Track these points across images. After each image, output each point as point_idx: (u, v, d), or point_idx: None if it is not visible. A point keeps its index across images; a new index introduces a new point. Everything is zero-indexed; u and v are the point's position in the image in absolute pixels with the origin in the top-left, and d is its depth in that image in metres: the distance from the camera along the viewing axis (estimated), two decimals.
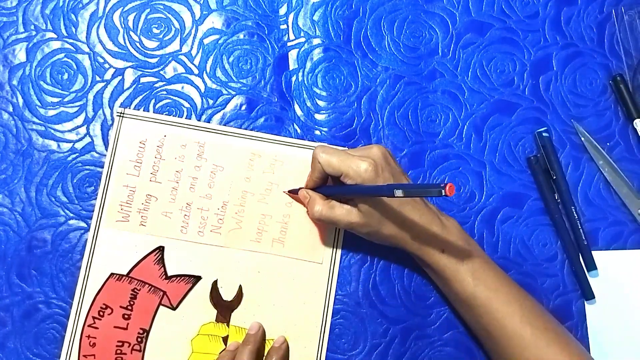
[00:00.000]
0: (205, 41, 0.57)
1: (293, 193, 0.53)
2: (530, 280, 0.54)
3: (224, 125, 0.55)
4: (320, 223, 0.53)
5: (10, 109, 0.55)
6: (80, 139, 0.55)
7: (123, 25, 0.57)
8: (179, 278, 0.53)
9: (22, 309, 0.52)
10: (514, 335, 0.48)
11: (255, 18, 0.57)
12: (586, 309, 0.54)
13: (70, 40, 0.56)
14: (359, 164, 0.47)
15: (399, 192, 0.41)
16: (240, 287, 0.53)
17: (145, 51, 0.56)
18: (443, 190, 0.37)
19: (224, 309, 0.53)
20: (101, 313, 0.52)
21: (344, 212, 0.49)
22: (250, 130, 0.55)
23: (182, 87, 0.56)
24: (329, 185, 0.52)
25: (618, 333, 0.54)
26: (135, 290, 0.52)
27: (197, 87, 0.56)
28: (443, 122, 0.57)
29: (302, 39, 0.57)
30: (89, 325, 0.51)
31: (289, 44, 0.57)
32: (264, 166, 0.55)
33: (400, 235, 0.49)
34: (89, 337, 0.51)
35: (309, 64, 0.57)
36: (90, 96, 0.55)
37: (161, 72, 0.56)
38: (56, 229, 0.53)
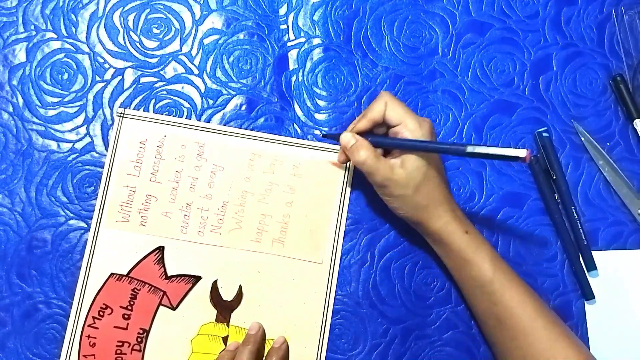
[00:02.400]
0: (205, 41, 0.57)
1: (330, 137, 0.53)
2: (530, 280, 0.54)
3: (224, 125, 0.55)
4: (363, 169, 0.49)
5: (10, 109, 0.55)
6: (80, 139, 0.55)
7: (123, 25, 0.57)
8: (179, 278, 0.53)
9: (22, 309, 0.52)
10: (526, 325, 0.48)
11: (255, 18, 0.57)
12: (586, 309, 0.54)
13: (70, 40, 0.56)
14: (420, 122, 0.48)
15: (474, 149, 0.44)
16: (240, 287, 0.53)
17: (145, 51, 0.56)
18: (521, 156, 0.40)
19: (224, 309, 0.53)
20: (101, 313, 0.52)
21: (387, 166, 0.48)
22: (250, 130, 0.55)
23: (182, 87, 0.56)
24: (377, 135, 0.51)
25: (618, 333, 0.54)
26: (135, 290, 0.52)
27: (197, 87, 0.56)
28: (443, 122, 0.57)
29: (302, 39, 0.57)
30: (89, 325, 0.51)
31: (289, 44, 0.57)
32: (264, 166, 0.55)
33: (429, 208, 0.49)
34: (89, 337, 0.51)
35: (309, 64, 0.57)
36: (90, 96, 0.55)
37: (161, 72, 0.56)
38: (56, 229, 0.53)
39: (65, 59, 0.56)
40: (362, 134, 0.50)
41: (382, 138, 0.50)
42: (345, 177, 0.55)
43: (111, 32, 0.56)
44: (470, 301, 0.52)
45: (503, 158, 0.43)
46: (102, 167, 0.54)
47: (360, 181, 0.54)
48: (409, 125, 0.48)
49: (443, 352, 0.53)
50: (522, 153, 0.41)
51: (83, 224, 0.53)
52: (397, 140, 0.49)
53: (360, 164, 0.49)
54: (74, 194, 0.54)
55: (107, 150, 0.54)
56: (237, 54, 0.57)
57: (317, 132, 0.56)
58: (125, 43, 0.56)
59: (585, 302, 0.54)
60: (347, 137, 0.50)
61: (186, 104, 0.56)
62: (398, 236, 0.55)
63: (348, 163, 0.55)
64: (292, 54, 0.57)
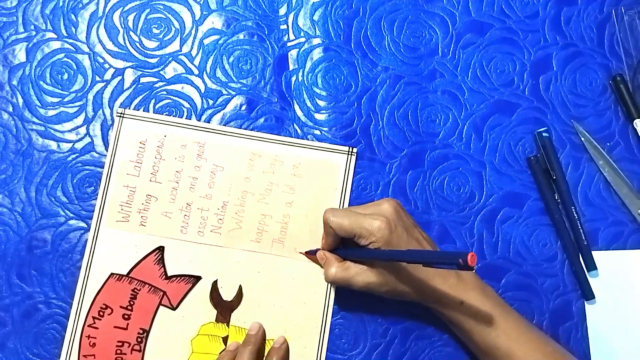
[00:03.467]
0: (205, 41, 0.57)
1: (310, 254, 0.53)
2: (530, 280, 0.54)
3: (224, 125, 0.55)
4: (337, 284, 0.51)
5: (10, 109, 0.55)
6: (80, 139, 0.55)
7: (123, 25, 0.57)
8: (179, 278, 0.53)
9: (22, 309, 0.52)
10: None
11: (255, 18, 0.57)
12: (586, 309, 0.54)
13: (70, 40, 0.56)
14: (371, 224, 0.47)
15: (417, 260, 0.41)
16: (240, 287, 0.53)
17: (145, 51, 0.56)
18: (464, 261, 0.35)
19: (224, 309, 0.53)
20: (101, 313, 0.52)
21: (359, 272, 0.48)
22: (250, 130, 0.55)
23: (182, 87, 0.56)
24: (347, 248, 0.51)
25: (618, 333, 0.54)
26: (135, 290, 0.52)
27: (197, 88, 0.56)
28: (443, 122, 0.57)
29: (302, 39, 0.57)
30: (89, 325, 0.51)
31: (289, 44, 0.57)
32: (264, 166, 0.55)
33: (418, 291, 0.48)
34: (89, 337, 0.51)
35: (309, 64, 0.57)
36: (90, 96, 0.55)
37: (161, 72, 0.56)
38: (56, 229, 0.53)
39: (65, 59, 0.56)
40: (335, 248, 0.51)
41: (350, 250, 0.50)
42: (345, 177, 0.55)
43: (111, 32, 0.56)
44: None
45: (447, 266, 0.38)
46: (102, 167, 0.54)
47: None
48: (363, 234, 0.47)
49: (443, 352, 0.53)
50: (467, 257, 0.35)
51: (83, 224, 0.53)
52: (355, 251, 0.49)
53: (332, 280, 0.50)
54: (74, 194, 0.54)
55: (107, 150, 0.54)
56: (237, 54, 0.57)
57: (317, 132, 0.56)
58: (125, 43, 0.56)
59: (585, 302, 0.54)
60: (320, 255, 0.52)
61: (186, 104, 0.56)
62: None
63: (347, 164, 0.55)
64: (292, 54, 0.57)
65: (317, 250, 0.52)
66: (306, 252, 0.53)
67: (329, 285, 0.53)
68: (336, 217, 0.49)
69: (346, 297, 0.53)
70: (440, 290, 0.48)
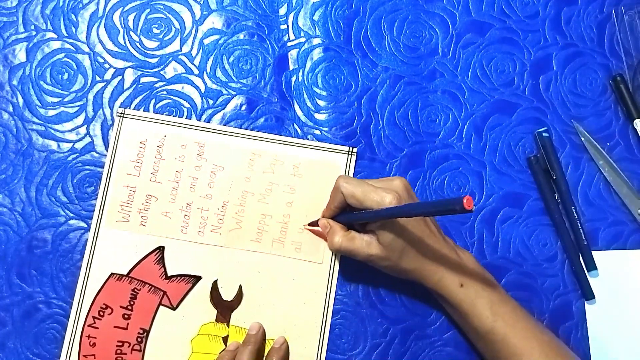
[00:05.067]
0: (206, 41, 0.57)
1: (313, 225, 0.53)
2: (530, 280, 0.54)
3: (224, 125, 0.55)
4: (341, 253, 0.51)
5: (10, 109, 0.55)
6: (80, 139, 0.55)
7: (123, 25, 0.57)
8: (179, 278, 0.53)
9: (22, 309, 0.52)
10: None
11: (255, 18, 0.57)
12: (586, 309, 0.54)
13: (70, 40, 0.56)
14: (382, 196, 0.46)
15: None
16: (240, 287, 0.53)
17: (145, 51, 0.56)
18: (460, 206, 0.35)
19: (224, 309, 0.53)
20: (101, 313, 0.52)
21: (364, 244, 0.48)
22: (250, 130, 0.55)
23: (182, 87, 0.56)
24: (347, 212, 0.51)
25: (618, 333, 0.54)
26: (136, 290, 0.52)
27: (197, 87, 0.56)
28: (443, 122, 0.57)
29: (302, 39, 0.57)
30: (89, 325, 0.51)
31: (289, 44, 0.57)
32: (264, 166, 0.55)
33: (419, 270, 0.48)
34: (89, 337, 0.51)
35: (309, 64, 0.57)
36: (90, 96, 0.55)
37: (161, 72, 0.56)
38: (56, 229, 0.53)
39: (65, 59, 0.56)
40: (337, 215, 0.51)
41: (350, 215, 0.50)
42: None
43: (111, 32, 0.56)
44: (477, 348, 0.52)
45: (447, 211, 0.38)
46: (102, 167, 0.54)
47: None
48: (373, 206, 0.46)
49: (443, 352, 0.53)
50: (463, 202, 0.35)
51: (83, 224, 0.53)
52: (359, 215, 0.49)
53: (336, 250, 0.50)
54: (74, 194, 0.54)
55: (107, 150, 0.54)
56: (237, 54, 0.57)
57: (317, 132, 0.56)
58: (125, 43, 0.56)
59: (585, 302, 0.54)
60: (323, 223, 0.52)
61: (186, 104, 0.56)
62: None
63: (347, 164, 0.55)
64: (292, 54, 0.57)
65: (318, 219, 0.52)
66: (309, 224, 0.53)
67: (329, 285, 0.53)
68: (349, 184, 0.48)
69: (346, 296, 0.53)
70: (441, 270, 0.48)
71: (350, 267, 0.54)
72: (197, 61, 0.56)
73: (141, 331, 0.52)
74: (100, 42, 0.56)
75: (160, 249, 0.53)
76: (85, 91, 0.55)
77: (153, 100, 0.55)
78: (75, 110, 0.55)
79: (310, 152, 0.55)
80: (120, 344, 0.51)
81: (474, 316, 0.48)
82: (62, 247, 0.53)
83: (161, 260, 0.53)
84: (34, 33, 0.56)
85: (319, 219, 0.52)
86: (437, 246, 0.49)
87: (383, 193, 0.46)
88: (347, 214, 0.51)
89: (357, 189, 0.48)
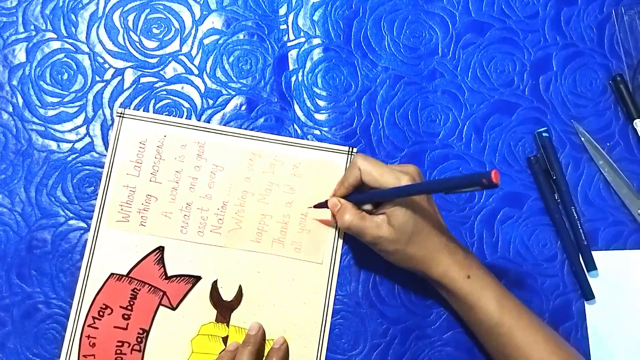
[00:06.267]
0: (205, 41, 0.57)
1: (320, 206, 0.53)
2: (530, 280, 0.54)
3: (224, 125, 0.55)
4: (350, 232, 0.51)
5: (10, 109, 0.55)
6: (80, 139, 0.55)
7: (123, 25, 0.57)
8: (179, 278, 0.53)
9: (22, 309, 0.52)
10: None
11: (255, 18, 0.57)
12: (586, 309, 0.54)
13: (70, 40, 0.56)
14: (399, 176, 0.46)
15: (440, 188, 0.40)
16: (240, 287, 0.53)
17: (145, 51, 0.56)
18: (488, 179, 0.33)
19: (224, 309, 0.53)
20: (101, 313, 0.52)
21: (374, 224, 0.48)
22: (250, 130, 0.55)
23: (182, 87, 0.56)
24: (359, 192, 0.51)
25: (618, 333, 0.54)
26: (135, 290, 0.52)
27: (197, 87, 0.56)
28: (443, 122, 0.57)
29: (302, 39, 0.57)
30: (89, 325, 0.51)
31: (289, 44, 0.57)
32: (264, 166, 0.55)
33: (427, 257, 0.48)
34: (89, 337, 0.51)
35: (309, 64, 0.57)
36: (90, 96, 0.55)
37: (161, 72, 0.56)
38: (56, 229, 0.53)
39: (65, 59, 0.56)
40: (348, 194, 0.51)
41: (363, 194, 0.50)
42: None
43: (111, 32, 0.56)
44: (481, 342, 0.51)
45: (472, 186, 0.38)
46: (102, 167, 0.54)
47: None
48: (389, 184, 0.47)
49: (443, 352, 0.53)
50: (491, 176, 0.34)
51: (83, 224, 0.53)
52: (375, 193, 0.48)
53: (346, 228, 0.49)
54: (74, 194, 0.54)
55: (107, 150, 0.54)
56: (237, 54, 0.57)
57: (317, 132, 0.56)
58: (125, 43, 0.56)
59: (585, 302, 0.54)
60: (333, 202, 0.51)
61: (186, 104, 0.56)
62: None
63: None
64: (292, 54, 0.57)
65: (327, 200, 0.52)
66: (315, 206, 0.53)
67: (329, 285, 0.53)
68: (367, 162, 0.48)
69: (346, 296, 0.53)
70: (448, 261, 0.48)
71: (350, 267, 0.54)
72: (197, 61, 0.56)
73: (141, 331, 0.52)
74: (100, 42, 0.56)
75: (160, 249, 0.53)
76: (85, 91, 0.55)
77: (153, 100, 0.55)
78: (75, 110, 0.55)
79: (310, 152, 0.55)
80: (120, 344, 0.51)
81: (480, 309, 0.48)
82: (62, 247, 0.53)
83: (161, 261, 0.53)
84: (33, 33, 0.56)
85: (327, 200, 0.52)
86: (445, 237, 0.49)
87: (399, 174, 0.47)
88: (359, 193, 0.50)
89: (374, 167, 0.48)
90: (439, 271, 0.48)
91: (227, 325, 0.52)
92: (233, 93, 0.56)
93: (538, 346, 0.47)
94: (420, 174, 0.49)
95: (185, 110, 0.56)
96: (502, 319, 0.48)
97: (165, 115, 0.55)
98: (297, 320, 0.53)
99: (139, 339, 0.52)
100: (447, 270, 0.48)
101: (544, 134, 0.56)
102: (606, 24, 0.59)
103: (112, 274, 0.52)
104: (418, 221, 0.47)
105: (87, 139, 0.55)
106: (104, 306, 0.52)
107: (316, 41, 0.57)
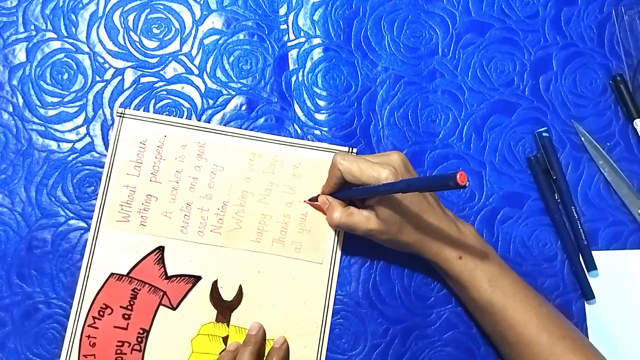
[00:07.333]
0: (206, 41, 0.57)
1: (312, 201, 0.54)
2: (530, 280, 0.54)
3: (224, 125, 0.55)
4: (340, 229, 0.52)
5: (10, 109, 0.55)
6: (80, 139, 0.55)
7: (123, 25, 0.57)
8: (179, 278, 0.53)
9: (22, 309, 0.52)
10: (530, 342, 0.47)
11: (255, 18, 0.57)
12: (586, 309, 0.54)
13: (70, 40, 0.56)
14: (379, 172, 0.46)
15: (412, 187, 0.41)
16: (240, 287, 0.53)
17: (145, 51, 0.56)
18: (454, 181, 0.35)
19: (224, 309, 0.53)
20: (101, 313, 0.52)
21: (362, 219, 0.49)
22: (250, 130, 0.55)
23: (182, 87, 0.56)
24: (345, 189, 0.51)
25: (618, 333, 0.54)
26: (135, 290, 0.52)
27: (197, 87, 0.56)
28: (443, 122, 0.57)
29: (302, 39, 0.57)
30: (89, 325, 0.51)
31: (289, 44, 0.57)
32: (264, 166, 0.55)
33: (418, 243, 0.49)
34: (89, 337, 0.51)
35: (309, 64, 0.57)
36: (90, 96, 0.55)
37: (161, 72, 0.56)
38: (56, 229, 0.53)
39: (65, 59, 0.56)
40: (336, 192, 0.51)
41: (349, 191, 0.50)
42: None
43: (111, 32, 0.56)
44: (476, 320, 0.52)
45: (441, 187, 0.38)
46: (102, 167, 0.54)
47: None
48: (370, 182, 0.47)
49: (443, 352, 0.53)
50: (456, 177, 0.35)
51: (83, 224, 0.53)
52: (358, 190, 0.49)
53: (335, 225, 0.51)
54: (74, 194, 0.54)
55: (107, 150, 0.54)
56: (237, 54, 0.57)
57: (317, 132, 0.56)
58: (125, 43, 0.56)
59: (585, 302, 0.54)
60: (322, 200, 0.52)
61: (186, 104, 0.56)
62: None
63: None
64: (292, 54, 0.57)
65: (318, 195, 0.53)
66: (309, 200, 0.54)
67: (329, 285, 0.53)
68: (346, 161, 0.48)
69: (346, 296, 0.53)
70: (440, 243, 0.49)
71: (350, 267, 0.54)
72: (197, 61, 0.56)
73: (141, 331, 0.52)
74: (100, 42, 0.56)
75: (160, 249, 0.53)
76: (85, 91, 0.55)
77: (153, 100, 0.55)
78: (75, 110, 0.55)
79: (310, 152, 0.55)
80: (120, 344, 0.51)
81: (472, 288, 0.49)
82: (62, 247, 0.53)
83: (161, 260, 0.53)
84: (33, 33, 0.56)
85: (318, 195, 0.53)
86: (436, 219, 0.49)
87: (380, 169, 0.47)
88: (345, 190, 0.51)
89: (353, 165, 0.48)
90: (432, 253, 0.49)
91: (228, 325, 0.52)
92: (233, 93, 0.56)
93: (530, 324, 0.48)
94: (404, 160, 0.49)
95: (185, 110, 0.56)
96: (493, 297, 0.48)
97: (166, 115, 0.55)
98: (297, 320, 0.53)
99: (139, 339, 0.52)
100: (439, 251, 0.49)
101: (544, 134, 0.56)
102: (606, 24, 0.59)
103: (112, 274, 0.52)
104: (405, 210, 0.47)
105: (87, 139, 0.55)
106: (104, 306, 0.52)
107: (316, 41, 0.57)
